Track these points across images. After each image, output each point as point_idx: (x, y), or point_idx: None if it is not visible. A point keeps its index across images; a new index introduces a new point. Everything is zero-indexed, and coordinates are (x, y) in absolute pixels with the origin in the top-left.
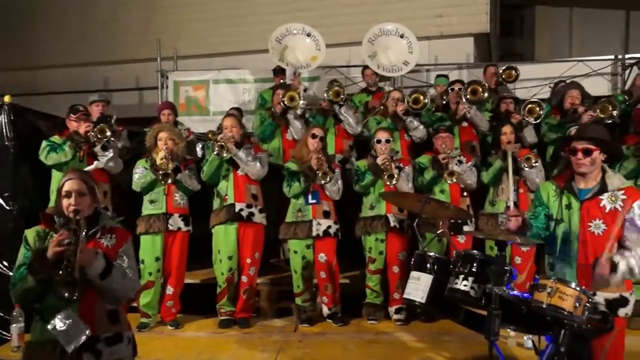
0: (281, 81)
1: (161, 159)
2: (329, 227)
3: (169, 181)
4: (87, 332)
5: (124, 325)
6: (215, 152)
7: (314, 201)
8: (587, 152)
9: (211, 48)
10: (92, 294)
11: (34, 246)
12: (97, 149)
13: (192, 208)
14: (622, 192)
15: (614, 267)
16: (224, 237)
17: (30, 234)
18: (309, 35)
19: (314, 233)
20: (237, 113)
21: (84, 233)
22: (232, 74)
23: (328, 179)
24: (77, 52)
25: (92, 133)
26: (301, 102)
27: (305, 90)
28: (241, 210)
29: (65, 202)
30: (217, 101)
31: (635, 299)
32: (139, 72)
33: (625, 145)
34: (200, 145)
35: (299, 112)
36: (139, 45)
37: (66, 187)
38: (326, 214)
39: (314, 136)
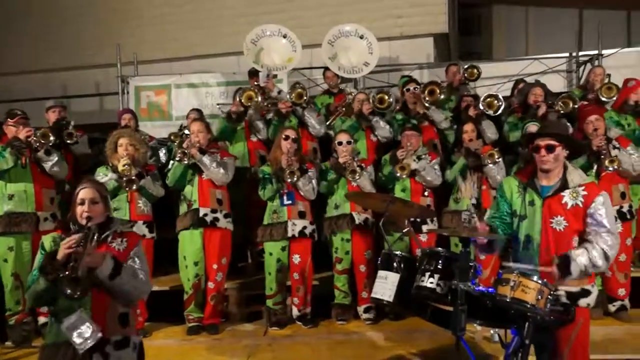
0: (255, 83)
1: (123, 166)
2: (305, 227)
3: (134, 187)
4: (99, 334)
5: (133, 330)
6: (177, 159)
7: (289, 202)
8: (551, 149)
9: (172, 52)
10: (105, 296)
11: (54, 249)
12: (41, 154)
13: (156, 214)
14: (583, 188)
15: (566, 265)
16: (189, 243)
17: (47, 239)
18: (284, 36)
19: (289, 234)
20: (201, 116)
21: (95, 237)
22: (194, 78)
23: (295, 178)
24: (36, 59)
25: (34, 138)
26: (260, 100)
27: (279, 92)
28: (205, 215)
29: (79, 209)
30: (180, 106)
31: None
32: (99, 77)
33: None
34: (164, 151)
35: (270, 115)
36: (99, 50)
37: (80, 195)
38: (301, 215)
39: (286, 138)
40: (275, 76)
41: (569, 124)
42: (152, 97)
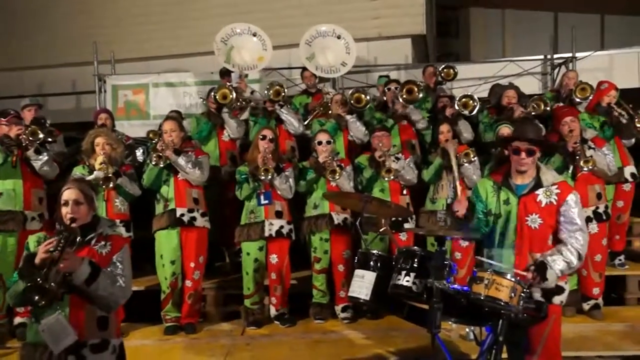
0: (228, 83)
1: (100, 164)
2: (282, 227)
3: (110, 185)
4: (74, 336)
5: (113, 333)
6: (153, 163)
7: (266, 202)
8: (531, 153)
9: (150, 51)
10: (82, 299)
11: (34, 251)
12: (30, 152)
13: (133, 213)
14: (556, 186)
15: (542, 271)
16: (166, 242)
17: (32, 239)
18: (254, 35)
19: (267, 233)
20: (177, 116)
21: (77, 239)
22: (172, 77)
23: (270, 176)
24: (11, 56)
25: (24, 136)
26: (244, 101)
27: (252, 92)
28: (182, 215)
29: (63, 210)
30: (158, 105)
31: (569, 289)
32: (75, 76)
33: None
34: (142, 150)
35: (246, 115)
36: (75, 48)
37: (64, 196)
38: (278, 214)
39: (263, 137)
40: (247, 76)
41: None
42: (130, 96)
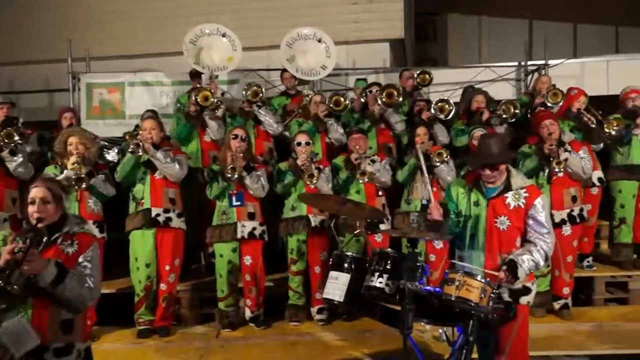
0: (198, 85)
1: (73, 164)
2: (254, 228)
3: (83, 186)
4: (36, 340)
5: (78, 337)
6: (130, 150)
7: (238, 203)
8: (494, 168)
9: (126, 49)
10: (47, 302)
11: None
12: (5, 154)
13: (107, 214)
14: (525, 190)
15: (513, 269)
16: (141, 244)
17: None
18: (224, 35)
19: (239, 235)
20: (156, 116)
21: (43, 239)
22: (148, 76)
23: (236, 175)
24: None
25: None
26: (215, 101)
27: (222, 93)
28: (158, 215)
29: (30, 209)
30: (134, 104)
31: (538, 290)
32: (49, 73)
33: (527, 144)
34: (116, 150)
35: (219, 113)
36: (49, 45)
37: (31, 195)
38: (251, 216)
39: (235, 137)
40: (217, 77)
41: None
42: (105, 94)
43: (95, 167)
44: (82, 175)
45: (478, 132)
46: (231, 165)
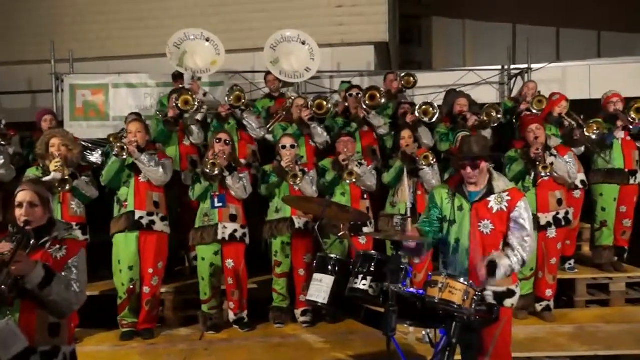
0: (180, 86)
1: (55, 166)
2: (235, 231)
3: (67, 188)
4: (24, 343)
5: (64, 340)
6: (114, 153)
7: (220, 205)
8: (474, 166)
9: (111, 51)
10: (34, 304)
11: None
12: None
13: (90, 216)
14: (507, 193)
15: (492, 270)
16: (124, 247)
17: None
18: (207, 40)
19: (220, 237)
20: (140, 118)
21: (31, 242)
22: (133, 78)
23: (216, 171)
24: None
25: None
26: (198, 105)
27: (204, 94)
28: (141, 218)
29: (17, 212)
30: (118, 106)
31: (521, 293)
32: (31, 74)
33: (513, 149)
34: (100, 152)
35: (199, 117)
36: (32, 45)
37: (18, 198)
38: (233, 218)
39: (218, 140)
40: (199, 78)
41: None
42: (89, 96)
43: (79, 169)
44: (65, 177)
45: (463, 135)
46: (211, 161)
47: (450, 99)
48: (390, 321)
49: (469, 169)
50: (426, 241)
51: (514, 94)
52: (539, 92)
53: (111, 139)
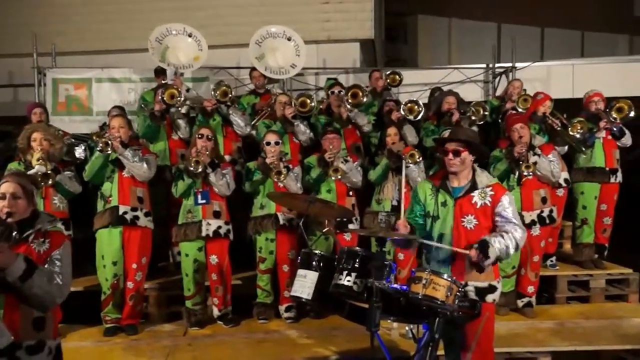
0: (162, 82)
1: (37, 160)
2: (219, 227)
3: (49, 182)
4: (9, 338)
5: (49, 334)
6: (98, 149)
7: (204, 201)
8: (457, 153)
9: (94, 45)
10: (17, 299)
11: None
12: None
13: (73, 212)
14: (490, 188)
15: (485, 252)
16: (108, 242)
17: None
18: (190, 35)
19: (204, 233)
20: (123, 113)
21: (13, 235)
22: (116, 72)
23: (200, 168)
24: None
25: None
26: (182, 99)
27: (187, 90)
28: (125, 213)
29: (0, 203)
30: (101, 100)
31: (503, 290)
32: (13, 67)
33: (498, 148)
34: (83, 147)
35: (183, 111)
36: (13, 38)
37: (1, 190)
38: (216, 214)
39: (200, 136)
40: (182, 74)
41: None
42: (71, 90)
43: (63, 164)
44: (48, 172)
45: (447, 132)
46: (195, 159)
47: (439, 96)
48: (374, 317)
49: (451, 155)
50: (413, 238)
51: (499, 92)
52: (524, 90)
53: (94, 137)
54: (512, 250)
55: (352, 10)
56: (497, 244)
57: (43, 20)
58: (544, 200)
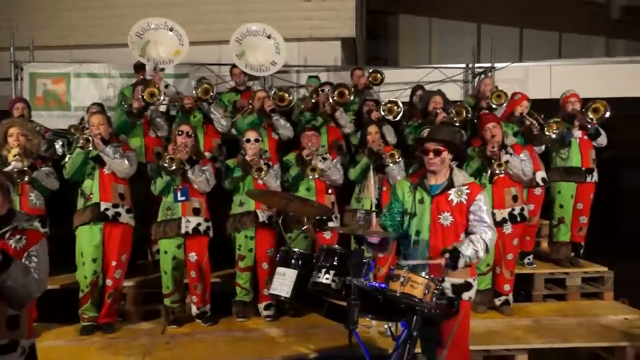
0: (141, 77)
1: (14, 156)
2: (199, 224)
3: (25, 179)
4: None
5: (23, 333)
6: (79, 145)
7: (183, 198)
8: (437, 153)
9: (73, 39)
10: None
11: None
12: None
13: (50, 208)
14: (466, 187)
15: (455, 262)
16: (88, 239)
17: None
18: (171, 29)
19: (183, 230)
20: (102, 110)
21: None
22: (95, 67)
23: (174, 166)
24: None
25: None
26: (162, 98)
27: (166, 86)
28: (106, 209)
29: None
30: (79, 96)
31: (479, 288)
32: None
33: (471, 147)
34: (61, 142)
35: (162, 109)
36: None
37: None
38: (196, 211)
39: (180, 133)
40: (162, 70)
41: (462, 131)
42: (49, 85)
43: (41, 161)
44: (24, 169)
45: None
46: (170, 156)
47: (425, 95)
48: (353, 315)
49: (431, 154)
50: (390, 236)
51: (464, 93)
52: (497, 86)
53: (71, 129)
54: (482, 254)
55: (334, 8)
56: (467, 252)
57: (21, 14)
58: (515, 198)
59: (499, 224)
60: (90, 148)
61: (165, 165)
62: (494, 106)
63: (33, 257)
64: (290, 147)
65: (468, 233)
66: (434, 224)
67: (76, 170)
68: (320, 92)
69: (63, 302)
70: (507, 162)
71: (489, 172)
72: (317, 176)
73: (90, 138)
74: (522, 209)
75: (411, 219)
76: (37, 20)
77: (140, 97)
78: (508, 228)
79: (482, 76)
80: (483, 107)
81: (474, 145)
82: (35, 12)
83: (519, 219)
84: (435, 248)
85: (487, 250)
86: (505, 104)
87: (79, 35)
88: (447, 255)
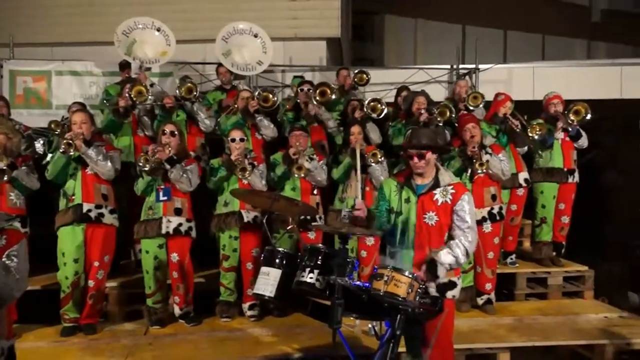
0: (127, 76)
1: None
2: (180, 224)
3: (5, 178)
4: None
5: (2, 334)
6: (61, 150)
7: (165, 198)
8: (421, 156)
9: (54, 37)
10: None
11: None
12: None
13: (31, 208)
14: (452, 187)
15: (434, 272)
16: (70, 239)
17: None
18: (158, 29)
19: (164, 230)
20: (84, 108)
21: None
22: (77, 65)
23: (148, 167)
24: None
25: None
26: (149, 97)
27: (152, 85)
28: (89, 210)
29: None
30: (61, 94)
31: (463, 285)
32: None
33: (451, 147)
34: (42, 141)
35: (147, 106)
36: None
37: None
38: (177, 212)
39: (164, 132)
40: (148, 69)
41: (446, 131)
42: (30, 83)
43: (21, 159)
44: (4, 168)
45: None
46: (144, 156)
47: (410, 95)
48: (336, 314)
49: (415, 159)
50: (374, 230)
51: (448, 94)
52: (472, 87)
53: (52, 126)
54: (462, 259)
55: (319, 8)
56: (447, 259)
57: (1, 10)
58: (493, 197)
59: (479, 223)
60: (72, 152)
61: (140, 165)
62: (471, 108)
63: (13, 257)
64: (278, 147)
65: (450, 235)
66: (419, 224)
67: (59, 172)
68: (300, 90)
69: (44, 303)
70: (487, 161)
71: (470, 171)
72: (303, 175)
73: (71, 142)
74: (500, 208)
75: (397, 218)
76: (18, 17)
77: (127, 95)
78: (488, 227)
79: (467, 77)
80: (461, 109)
81: (454, 146)
82: (15, 8)
83: (498, 218)
84: (420, 247)
85: (467, 254)
86: (482, 105)
87: (61, 33)
88: (423, 268)
